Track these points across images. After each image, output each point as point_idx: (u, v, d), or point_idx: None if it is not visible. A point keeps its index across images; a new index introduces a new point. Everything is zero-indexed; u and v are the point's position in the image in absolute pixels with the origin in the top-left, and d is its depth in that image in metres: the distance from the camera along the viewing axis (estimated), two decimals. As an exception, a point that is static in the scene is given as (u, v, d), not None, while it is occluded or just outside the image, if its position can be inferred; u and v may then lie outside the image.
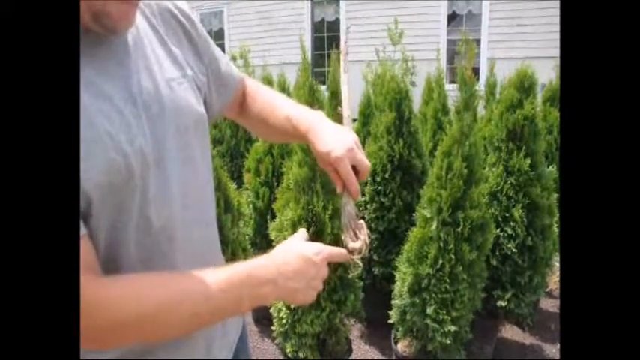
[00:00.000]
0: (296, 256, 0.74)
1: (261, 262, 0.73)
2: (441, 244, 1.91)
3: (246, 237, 2.49)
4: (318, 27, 8.83)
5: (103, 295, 0.61)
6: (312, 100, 2.13)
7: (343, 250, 0.81)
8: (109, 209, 0.64)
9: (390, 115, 2.60)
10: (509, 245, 2.31)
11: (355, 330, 2.76)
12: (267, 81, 3.15)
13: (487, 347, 2.51)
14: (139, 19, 0.75)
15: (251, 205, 2.70)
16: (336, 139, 0.85)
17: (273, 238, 1.98)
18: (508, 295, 2.34)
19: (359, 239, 0.83)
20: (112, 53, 0.68)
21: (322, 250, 0.76)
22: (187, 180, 0.75)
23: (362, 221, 0.86)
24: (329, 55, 4.92)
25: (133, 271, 0.69)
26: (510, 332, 2.81)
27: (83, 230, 0.61)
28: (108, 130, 0.63)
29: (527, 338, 2.79)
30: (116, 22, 0.64)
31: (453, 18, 8.39)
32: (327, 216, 1.83)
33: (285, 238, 2.04)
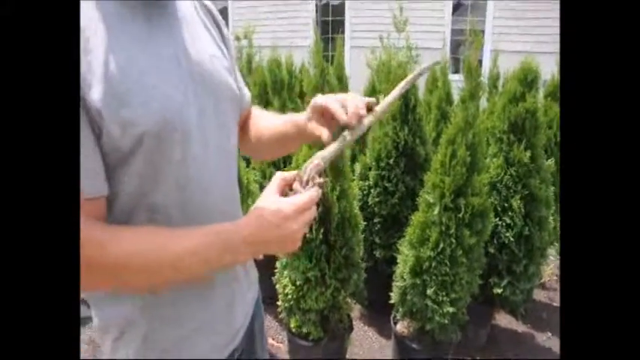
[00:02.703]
0: (256, 218, 0.72)
1: (228, 228, 0.73)
2: (443, 229, 1.98)
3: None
4: (323, 10, 8.80)
5: (86, 236, 0.64)
6: (322, 83, 2.17)
7: (307, 195, 0.73)
8: (150, 159, 0.72)
9: (396, 102, 2.65)
10: (506, 234, 2.38)
11: (355, 311, 2.84)
12: (276, 63, 3.18)
13: (482, 331, 2.60)
14: (187, 5, 0.84)
15: (258, 185, 2.76)
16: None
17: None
18: (504, 282, 2.41)
19: (297, 192, 0.74)
20: (164, 22, 0.77)
21: (281, 209, 0.71)
22: (222, 143, 0.84)
23: (321, 180, 0.76)
24: (333, 39, 4.95)
25: (170, 217, 0.76)
26: (504, 320, 2.90)
27: (105, 190, 0.70)
28: (159, 85, 0.72)
29: (519, 326, 2.88)
30: None
31: (457, 7, 8.38)
32: (334, 196, 1.89)
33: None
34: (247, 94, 1.03)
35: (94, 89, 0.65)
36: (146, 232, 0.72)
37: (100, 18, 0.69)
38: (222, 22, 0.94)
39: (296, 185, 0.75)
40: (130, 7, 0.72)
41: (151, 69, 0.71)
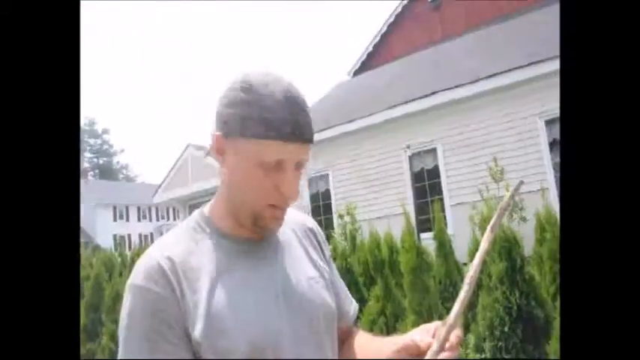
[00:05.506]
0: None
1: None
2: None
3: None
4: (418, 176, 9.13)
5: None
6: (419, 262, 2.21)
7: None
8: None
9: (500, 265, 2.57)
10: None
11: None
12: (375, 242, 3.30)
13: None
14: (288, 231, 0.97)
15: None
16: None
17: None
18: None
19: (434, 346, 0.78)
20: (263, 254, 0.90)
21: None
22: None
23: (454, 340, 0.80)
24: (432, 202, 5.07)
25: None
26: None
27: None
28: (252, 316, 0.82)
29: None
30: (269, 223, 0.86)
31: (555, 143, 8.11)
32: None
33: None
34: (353, 305, 1.07)
35: (197, 326, 0.78)
36: None
37: (214, 258, 0.84)
38: (323, 242, 1.04)
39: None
40: (241, 245, 0.87)
41: (250, 304, 0.83)
